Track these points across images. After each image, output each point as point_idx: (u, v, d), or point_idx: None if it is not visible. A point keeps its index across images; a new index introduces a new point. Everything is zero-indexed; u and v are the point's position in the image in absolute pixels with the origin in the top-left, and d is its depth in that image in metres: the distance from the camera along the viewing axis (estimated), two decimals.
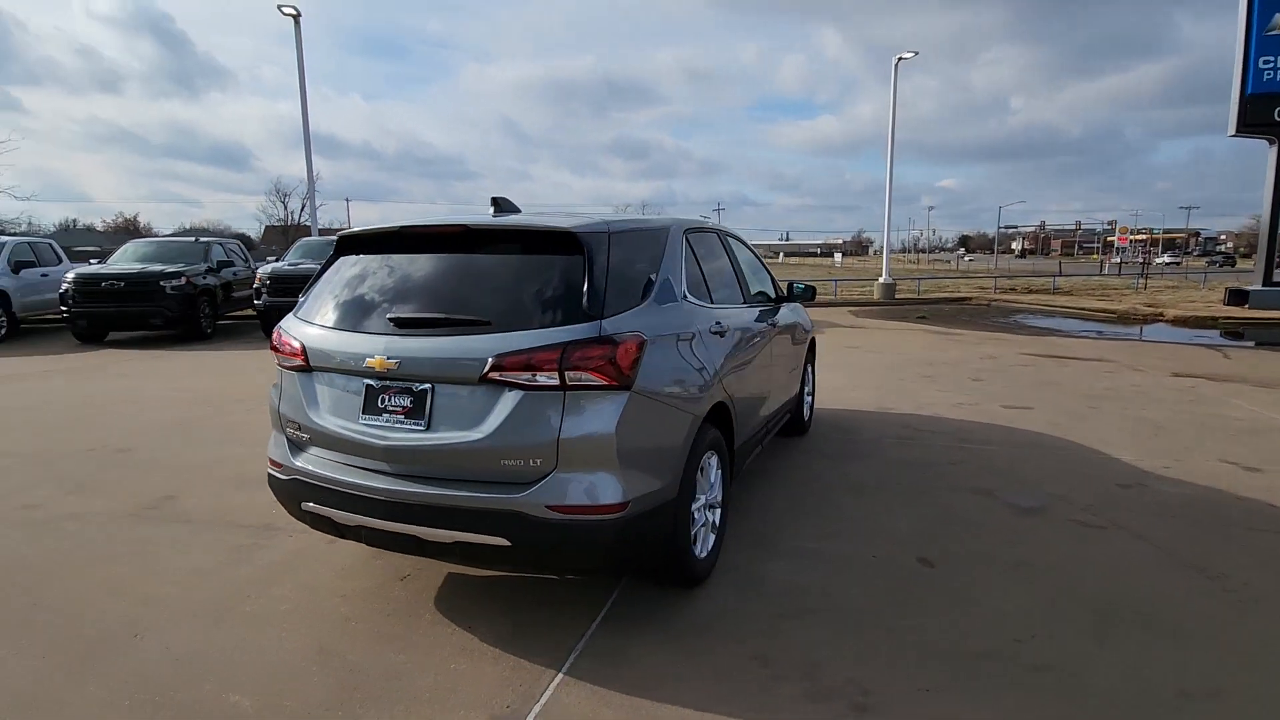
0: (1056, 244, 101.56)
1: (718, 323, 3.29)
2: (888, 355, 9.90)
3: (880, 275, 20.14)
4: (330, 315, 2.74)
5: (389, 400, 2.55)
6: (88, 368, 9.23)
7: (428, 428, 2.48)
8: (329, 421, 2.66)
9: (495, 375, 2.36)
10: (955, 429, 5.71)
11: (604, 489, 2.39)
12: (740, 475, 4.41)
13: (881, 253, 22.47)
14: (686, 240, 3.38)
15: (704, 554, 3.06)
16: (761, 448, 4.22)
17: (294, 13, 16.10)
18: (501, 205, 3.11)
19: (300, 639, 2.69)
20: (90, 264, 13.21)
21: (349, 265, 2.87)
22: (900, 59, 17.95)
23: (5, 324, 11.96)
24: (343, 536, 2.74)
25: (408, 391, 2.52)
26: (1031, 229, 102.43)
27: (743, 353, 3.60)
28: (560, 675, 2.43)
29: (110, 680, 2.43)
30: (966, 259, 76.92)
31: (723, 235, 4.08)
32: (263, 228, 64.08)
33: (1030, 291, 23.09)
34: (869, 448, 5.19)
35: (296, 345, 2.74)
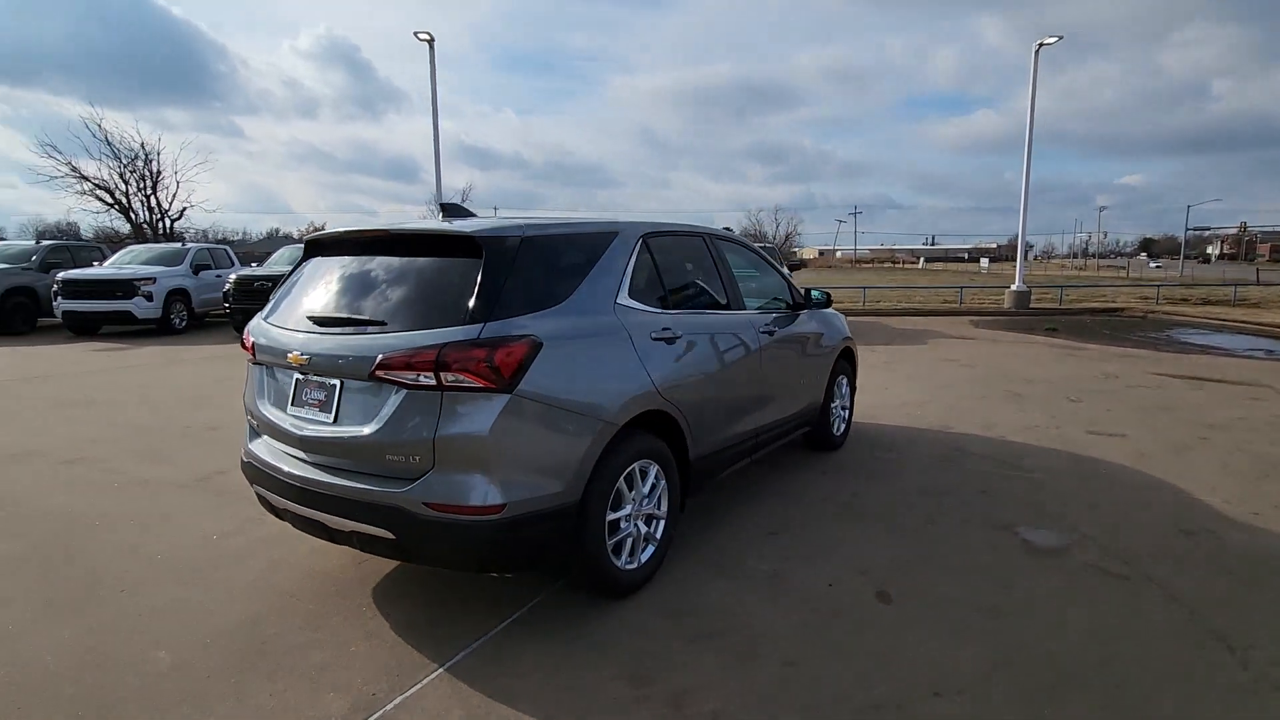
0: (1264, 248, 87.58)
1: (666, 328, 3.19)
2: (982, 370, 9.06)
3: (1013, 282, 18.42)
4: (278, 313, 2.98)
5: (308, 393, 2.73)
6: (236, 355, 10.56)
7: (334, 421, 2.63)
8: (269, 411, 2.89)
9: (381, 374, 2.46)
10: (1012, 454, 5.13)
11: (478, 490, 2.42)
12: (722, 486, 4.29)
13: (1041, 257, 20.51)
14: (644, 245, 3.32)
15: (634, 565, 3.00)
16: (750, 460, 4.04)
17: (428, 37, 17.43)
18: (449, 210, 3.21)
19: (242, 607, 2.94)
20: (251, 267, 15.14)
21: (308, 267, 3.10)
22: (1041, 44, 16.27)
23: (186, 317, 14.01)
24: (280, 518, 2.96)
25: (322, 386, 2.69)
26: (1232, 230, 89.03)
27: (708, 360, 3.46)
28: (439, 670, 2.48)
29: (79, 629, 2.79)
30: (1152, 265, 68.37)
31: (710, 240, 3.94)
32: None
33: (1205, 303, 20.14)
34: (897, 469, 4.80)
35: (250, 341, 3.01)
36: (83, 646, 2.66)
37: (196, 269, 14.52)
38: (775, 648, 2.63)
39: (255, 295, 12.26)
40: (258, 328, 3.01)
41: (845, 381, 5.31)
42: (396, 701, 2.31)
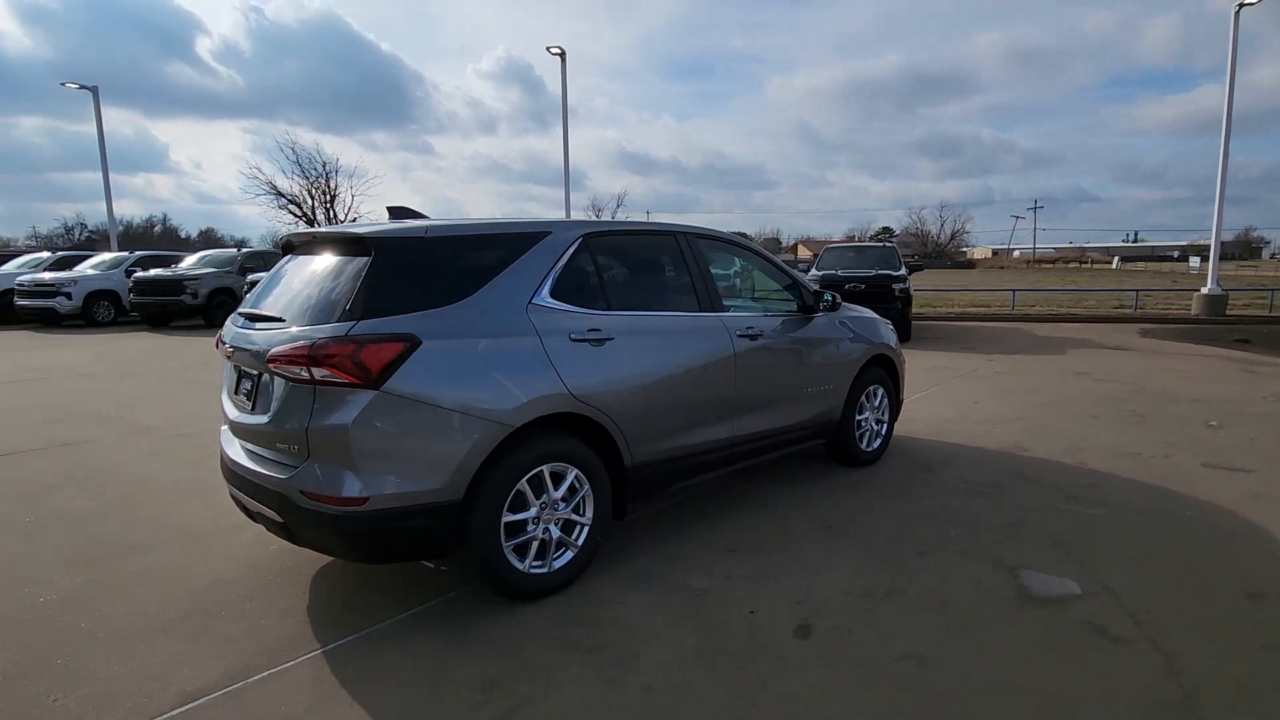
0: None
1: (594, 330, 3.11)
2: (1115, 385, 7.82)
3: (1205, 285, 15.68)
4: (241, 309, 3.28)
5: (242, 384, 2.99)
6: None
7: (251, 409, 2.85)
8: (224, 398, 3.20)
9: (271, 366, 2.63)
10: (1081, 485, 4.40)
11: (342, 482, 2.51)
12: (705, 494, 4.10)
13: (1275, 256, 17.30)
14: (583, 246, 3.25)
15: (543, 570, 2.95)
16: (729, 470, 3.82)
17: (559, 51, 18.26)
18: (395, 213, 3.35)
19: (213, 574, 3.25)
20: None
21: (276, 268, 3.39)
22: (1242, 4, 13.66)
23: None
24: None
25: (248, 376, 2.93)
26: None
27: (655, 363, 3.32)
28: (316, 653, 2.60)
29: (81, 579, 3.25)
30: None
31: (686, 239, 3.76)
32: None
33: None
34: (924, 491, 4.29)
35: (219, 336, 3.34)
36: (74, 593, 3.10)
37: (244, 270, 15.92)
38: (646, 671, 2.47)
39: None
40: (226, 323, 3.35)
41: (881, 393, 4.84)
42: (261, 676, 2.46)
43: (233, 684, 2.41)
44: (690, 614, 2.86)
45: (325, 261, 2.87)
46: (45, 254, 20.42)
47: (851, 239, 61.39)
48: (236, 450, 2.99)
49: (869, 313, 5.04)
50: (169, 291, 14.91)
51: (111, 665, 2.54)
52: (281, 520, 2.66)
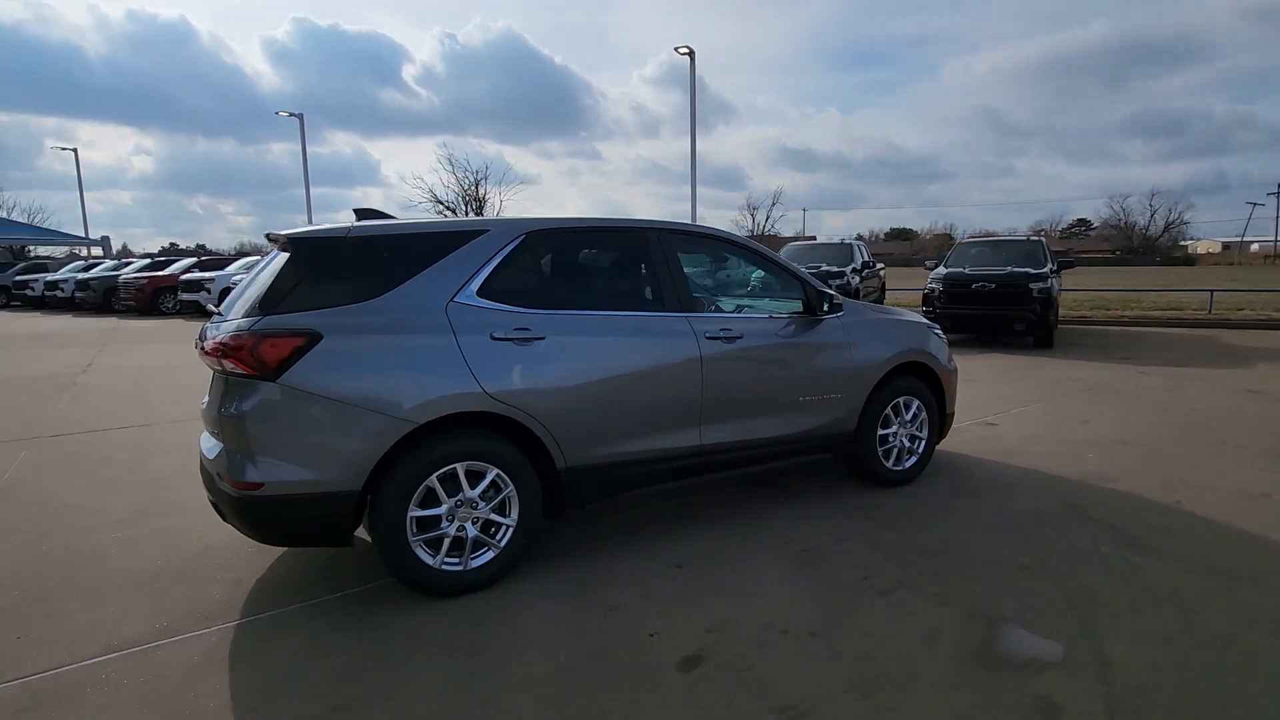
0: None
1: (521, 329, 3.04)
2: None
3: None
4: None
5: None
6: None
7: (207, 397, 3.12)
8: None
9: (203, 359, 2.85)
10: (1149, 528, 3.61)
11: (243, 467, 2.66)
12: (680, 504, 3.91)
13: None
14: (524, 244, 3.19)
15: (458, 568, 2.95)
16: (695, 480, 3.59)
17: (687, 51, 18.21)
18: (363, 215, 3.49)
19: (214, 538, 3.56)
20: None
21: (254, 271, 3.64)
22: None
23: None
24: None
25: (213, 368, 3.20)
26: None
27: (595, 364, 3.19)
28: (221, 626, 2.76)
29: (104, 539, 3.76)
30: None
31: (656, 235, 3.55)
32: None
33: None
34: (948, 521, 3.74)
35: None
36: (101, 546, 3.58)
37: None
38: (501, 682, 2.37)
39: None
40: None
41: (916, 405, 4.29)
42: (176, 638, 2.68)
43: (151, 642, 2.66)
44: (588, 630, 2.72)
45: (270, 261, 3.07)
46: (256, 257, 23.74)
47: (1039, 233, 55.10)
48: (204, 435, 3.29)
49: (905, 314, 4.49)
50: None
51: (78, 614, 2.90)
52: (212, 499, 2.90)
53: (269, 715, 2.24)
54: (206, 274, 19.24)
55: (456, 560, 2.96)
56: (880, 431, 4.18)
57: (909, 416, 4.28)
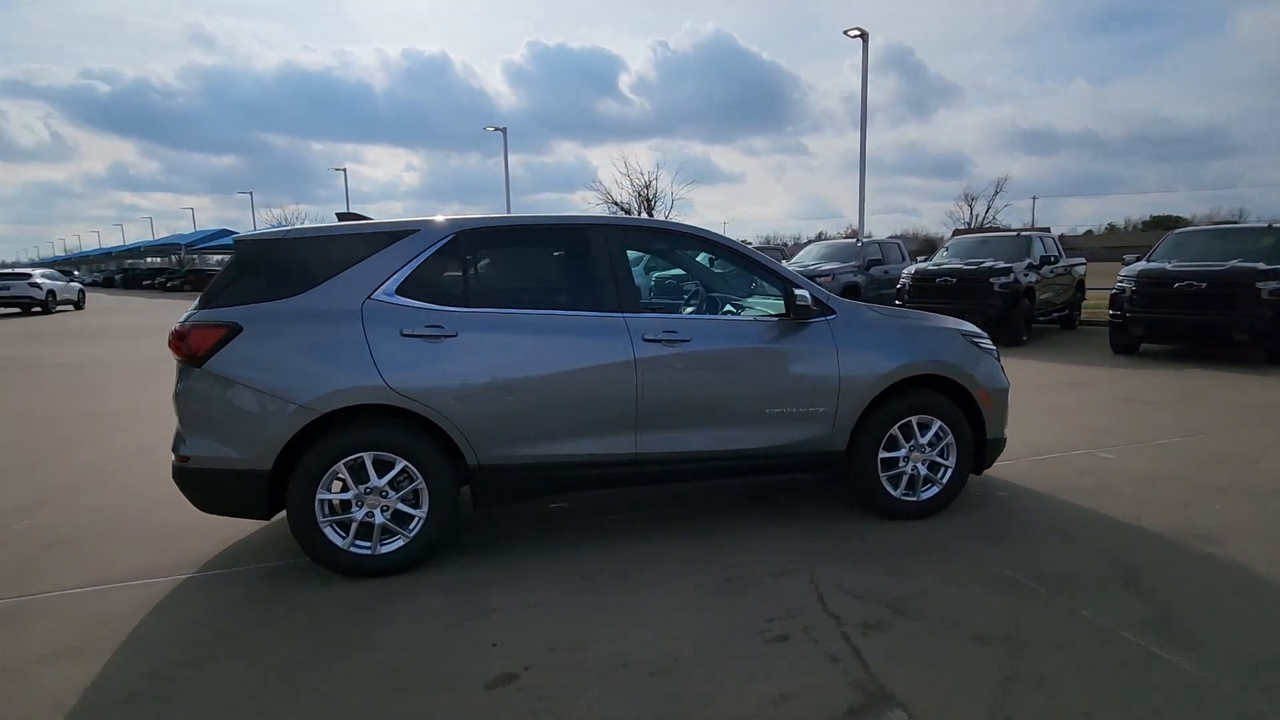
0: None
1: (433, 326, 3.08)
2: None
3: None
4: None
5: None
6: None
7: None
8: None
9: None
10: (1209, 612, 2.71)
11: (179, 441, 3.02)
12: (616, 511, 3.80)
13: None
14: (453, 243, 3.23)
15: (367, 551, 3.07)
16: (618, 489, 3.41)
17: (859, 33, 16.95)
18: (343, 218, 3.75)
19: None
20: (919, 261, 13.09)
21: None
22: None
23: None
24: None
25: None
26: None
27: (511, 363, 3.14)
28: (166, 579, 3.14)
29: (120, 494, 4.48)
30: None
31: (599, 232, 3.36)
32: (950, 231, 66.41)
33: None
34: (945, 571, 3.11)
35: None
36: (138, 482, 4.29)
37: (868, 265, 13.49)
38: (306, 674, 2.43)
39: (935, 292, 10.72)
40: None
41: (939, 427, 3.62)
42: (104, 587, 3.08)
43: (109, 584, 3.13)
44: (445, 629, 2.69)
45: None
46: None
47: None
48: None
49: (930, 319, 3.81)
50: None
51: (62, 505, 3.52)
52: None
53: (135, 655, 2.53)
54: None
55: (365, 544, 3.10)
56: (885, 454, 3.60)
57: (925, 439, 3.63)
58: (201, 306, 3.08)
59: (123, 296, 38.84)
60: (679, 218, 40.07)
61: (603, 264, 3.36)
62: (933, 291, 10.86)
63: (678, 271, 4.43)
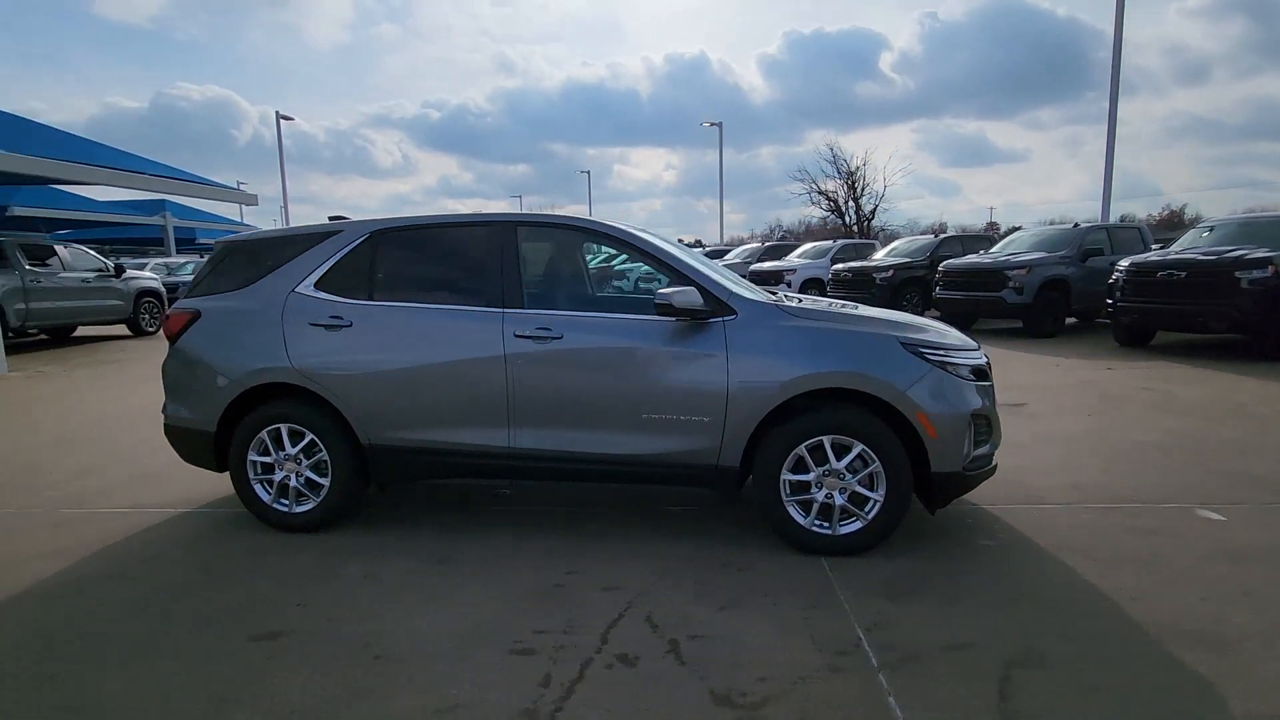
0: None
1: (334, 316, 3.43)
2: None
3: None
4: None
5: None
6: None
7: None
8: None
9: None
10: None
11: (164, 403, 3.77)
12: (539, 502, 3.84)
13: None
14: (368, 242, 3.55)
15: (285, 509, 3.54)
16: (520, 481, 3.41)
17: None
18: (333, 220, 4.25)
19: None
20: (1151, 249, 10.80)
21: None
22: None
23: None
24: None
25: None
26: None
27: (393, 352, 3.39)
28: (167, 510, 3.95)
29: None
30: None
31: (506, 229, 3.41)
32: None
33: None
34: (830, 619, 2.69)
35: None
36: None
37: (1085, 254, 10.77)
38: (152, 605, 2.91)
39: (1156, 290, 8.62)
40: None
41: (862, 451, 3.04)
42: (143, 509, 3.98)
43: (100, 507, 4.03)
44: (280, 585, 3.00)
45: None
46: (756, 245, 22.53)
47: None
48: None
49: (871, 321, 3.20)
50: (987, 286, 10.74)
51: (117, 467, 4.53)
52: None
53: (106, 556, 3.29)
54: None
55: (285, 503, 3.58)
56: (792, 477, 3.14)
57: (843, 464, 3.08)
58: (185, 296, 3.81)
59: None
60: (922, 205, 36.87)
61: (493, 260, 3.43)
62: (1154, 289, 8.64)
63: (640, 267, 4.26)
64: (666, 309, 3.10)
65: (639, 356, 3.22)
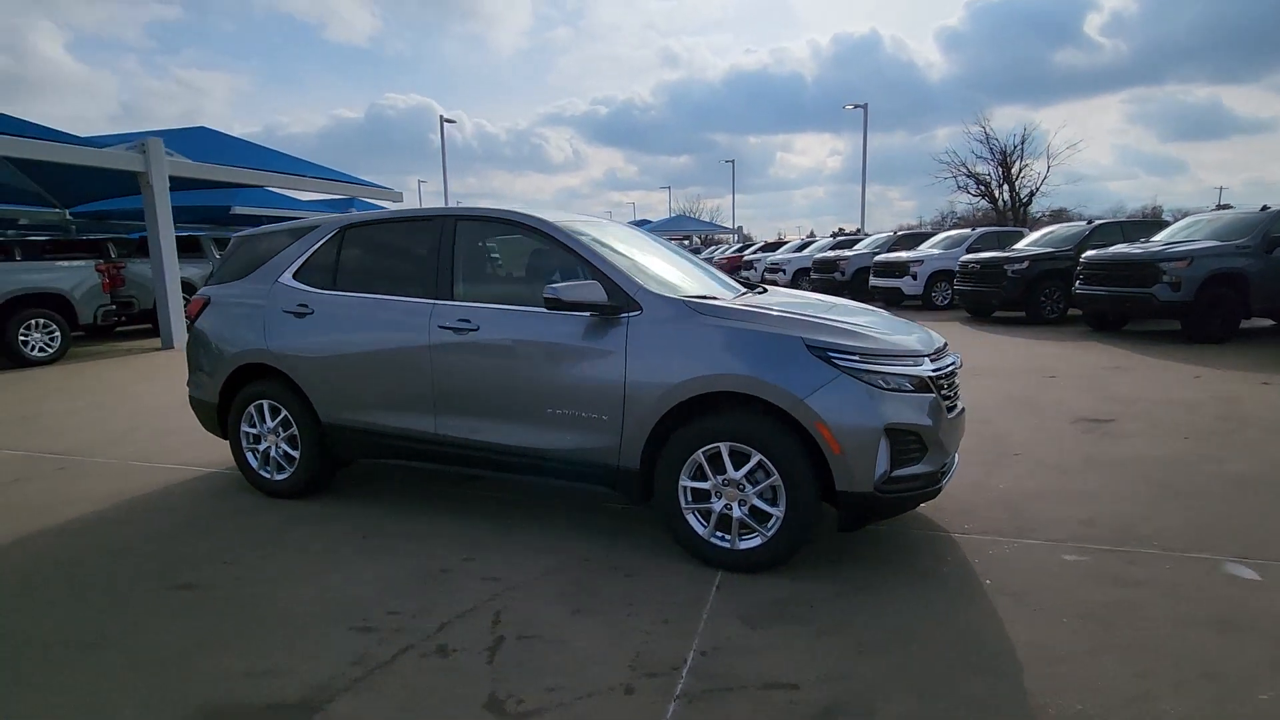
0: None
1: (301, 305, 3.74)
2: None
3: None
4: None
5: None
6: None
7: None
8: None
9: None
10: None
11: (188, 378, 4.34)
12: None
13: None
14: (339, 236, 3.83)
15: (269, 476, 3.96)
16: (438, 467, 3.54)
17: None
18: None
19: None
20: None
21: None
22: None
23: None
24: None
25: None
26: None
27: (344, 339, 3.65)
28: (187, 467, 4.56)
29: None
30: None
31: (447, 223, 3.52)
32: None
33: None
34: (670, 635, 2.57)
35: None
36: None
37: (1270, 245, 8.82)
38: (106, 541, 3.40)
39: None
40: None
41: (759, 461, 2.80)
42: (178, 466, 4.62)
43: (159, 463, 4.68)
44: (224, 543, 3.36)
45: None
46: (887, 234, 18.91)
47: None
48: None
49: (764, 323, 2.90)
50: (1136, 281, 9.09)
51: (196, 430, 5.21)
52: None
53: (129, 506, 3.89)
54: (780, 255, 21.83)
55: (268, 471, 3.99)
56: (692, 484, 2.96)
57: (741, 474, 2.84)
58: (204, 284, 4.34)
59: None
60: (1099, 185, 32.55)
61: (431, 254, 3.55)
62: None
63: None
64: (554, 303, 3.03)
65: (545, 351, 3.19)
